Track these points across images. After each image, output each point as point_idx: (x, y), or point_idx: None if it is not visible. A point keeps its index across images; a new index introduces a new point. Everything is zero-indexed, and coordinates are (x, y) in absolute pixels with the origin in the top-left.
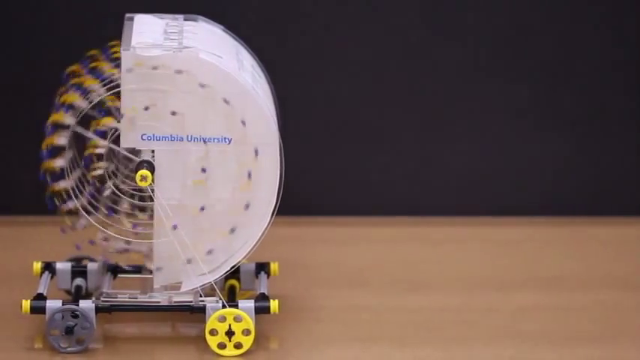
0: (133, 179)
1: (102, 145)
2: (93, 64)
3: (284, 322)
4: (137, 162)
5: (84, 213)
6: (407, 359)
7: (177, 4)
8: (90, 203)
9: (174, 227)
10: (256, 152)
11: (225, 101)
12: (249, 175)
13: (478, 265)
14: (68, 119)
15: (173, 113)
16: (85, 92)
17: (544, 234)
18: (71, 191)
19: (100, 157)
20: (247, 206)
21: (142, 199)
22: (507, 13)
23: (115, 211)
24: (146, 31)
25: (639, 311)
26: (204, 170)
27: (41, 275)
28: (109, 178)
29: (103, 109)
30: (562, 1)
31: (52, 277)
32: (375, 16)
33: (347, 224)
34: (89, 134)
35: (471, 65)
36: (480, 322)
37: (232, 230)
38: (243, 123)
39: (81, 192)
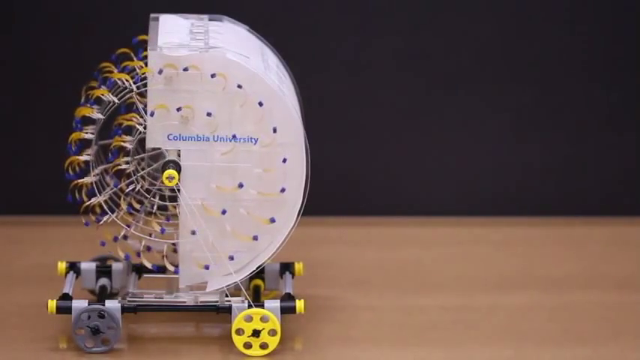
0: (156, 178)
1: (128, 141)
2: (124, 63)
3: (286, 323)
4: (163, 162)
5: (107, 209)
6: (407, 359)
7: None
8: (112, 200)
9: (193, 232)
10: (282, 152)
11: (252, 101)
12: (276, 174)
13: (478, 265)
14: (96, 114)
15: (200, 113)
16: (115, 88)
17: (544, 234)
18: (94, 186)
19: (126, 153)
20: (274, 205)
21: (164, 198)
22: (507, 14)
23: (138, 211)
24: (172, 31)
25: (639, 311)
26: (229, 170)
27: (66, 275)
28: (133, 175)
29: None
30: (562, 1)
31: (76, 277)
32: (377, 17)
33: (347, 224)
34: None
35: (471, 66)
36: (480, 322)
37: (259, 231)
38: (270, 123)
39: (104, 188)
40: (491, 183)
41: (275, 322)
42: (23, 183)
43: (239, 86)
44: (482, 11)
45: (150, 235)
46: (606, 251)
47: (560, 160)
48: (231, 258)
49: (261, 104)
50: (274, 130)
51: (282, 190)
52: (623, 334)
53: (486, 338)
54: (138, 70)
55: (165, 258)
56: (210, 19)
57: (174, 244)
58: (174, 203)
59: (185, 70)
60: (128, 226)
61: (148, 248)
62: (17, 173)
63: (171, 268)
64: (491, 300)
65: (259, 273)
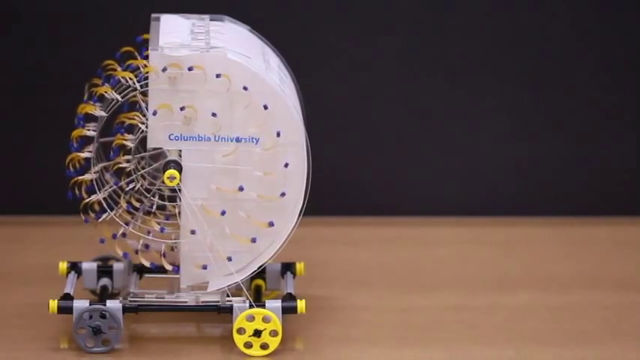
0: (156, 178)
1: (129, 139)
2: (128, 61)
3: (286, 322)
4: (165, 162)
5: (106, 207)
6: (407, 359)
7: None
8: (111, 198)
9: (193, 232)
10: (284, 152)
11: (253, 102)
12: (276, 177)
13: (478, 265)
14: (98, 111)
15: (203, 114)
16: (118, 86)
17: (544, 234)
18: (94, 183)
19: (127, 152)
20: (275, 206)
21: (163, 197)
22: (507, 14)
23: (138, 210)
24: (173, 31)
25: (639, 311)
26: (230, 172)
27: (67, 275)
28: (134, 173)
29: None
30: (563, 1)
31: (77, 277)
32: (377, 17)
33: (347, 224)
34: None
35: (471, 66)
36: (480, 322)
37: (259, 232)
38: (272, 125)
39: (104, 185)
40: (491, 183)
41: (277, 323)
42: (23, 183)
43: (245, 88)
44: (483, 11)
45: (148, 234)
46: (606, 251)
47: (561, 160)
48: (229, 259)
49: (265, 107)
50: (278, 134)
51: (283, 195)
52: (623, 334)
53: (486, 338)
54: (142, 69)
55: (163, 257)
56: (211, 19)
57: (173, 243)
58: (174, 203)
59: (190, 69)
60: (127, 223)
61: (147, 247)
62: (17, 173)
63: (169, 267)
64: (491, 300)
65: (260, 273)
